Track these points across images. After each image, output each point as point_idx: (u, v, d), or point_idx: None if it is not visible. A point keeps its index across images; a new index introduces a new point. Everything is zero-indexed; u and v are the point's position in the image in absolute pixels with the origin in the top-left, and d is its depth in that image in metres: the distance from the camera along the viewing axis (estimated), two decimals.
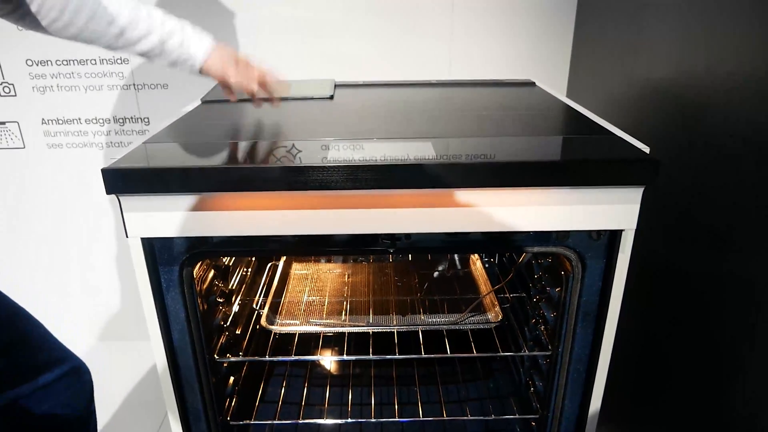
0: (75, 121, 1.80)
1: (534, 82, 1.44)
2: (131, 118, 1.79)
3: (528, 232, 0.91)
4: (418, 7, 1.65)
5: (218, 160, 0.88)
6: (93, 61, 1.71)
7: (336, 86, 1.42)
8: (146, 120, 1.79)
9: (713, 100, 1.03)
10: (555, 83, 1.75)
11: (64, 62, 1.71)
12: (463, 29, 1.68)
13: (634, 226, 0.90)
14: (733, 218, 0.99)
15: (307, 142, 0.93)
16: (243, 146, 0.95)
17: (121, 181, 0.84)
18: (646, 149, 0.88)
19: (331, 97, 1.29)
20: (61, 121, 1.80)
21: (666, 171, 1.16)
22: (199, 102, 1.28)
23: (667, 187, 1.15)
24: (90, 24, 0.85)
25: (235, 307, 1.30)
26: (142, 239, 0.91)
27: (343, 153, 0.87)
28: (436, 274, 1.51)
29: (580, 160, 0.85)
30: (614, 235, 0.93)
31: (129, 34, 0.89)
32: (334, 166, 0.82)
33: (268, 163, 0.84)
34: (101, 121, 1.80)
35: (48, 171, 1.86)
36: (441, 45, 1.70)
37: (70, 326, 2.11)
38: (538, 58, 1.73)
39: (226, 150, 0.93)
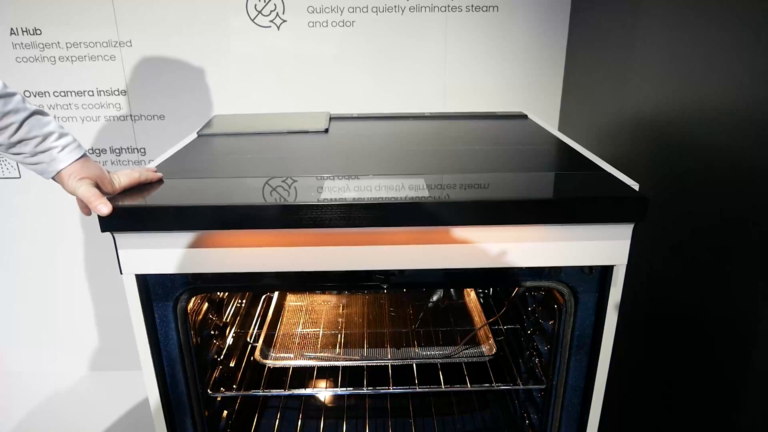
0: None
1: (526, 115, 1.46)
2: (128, 148, 1.81)
3: (521, 268, 0.92)
4: (412, 39, 1.69)
5: (213, 198, 0.89)
6: (90, 92, 1.73)
7: (331, 119, 1.43)
8: (143, 150, 1.81)
9: (701, 131, 1.05)
10: (547, 113, 1.78)
11: (62, 93, 1.73)
12: (457, 61, 1.72)
13: (626, 261, 0.91)
14: (724, 245, 1.00)
15: (302, 178, 0.95)
16: (237, 183, 0.95)
17: (116, 219, 0.84)
18: (636, 186, 0.89)
19: (326, 131, 1.31)
20: None
21: (656, 202, 1.17)
22: (195, 135, 1.29)
23: (658, 217, 1.16)
24: None
25: (230, 340, 1.29)
26: (137, 275, 0.92)
27: (337, 190, 0.88)
28: (430, 305, 1.51)
29: (571, 198, 0.86)
30: (606, 270, 0.93)
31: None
32: (327, 204, 0.83)
33: (263, 201, 0.85)
34: (98, 151, 1.81)
35: (44, 200, 1.86)
36: (435, 76, 1.73)
37: (61, 355, 2.10)
38: (530, 88, 1.76)
39: (220, 187, 0.94)
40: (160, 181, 0.96)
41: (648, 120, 1.24)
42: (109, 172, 0.93)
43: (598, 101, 1.50)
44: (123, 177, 0.93)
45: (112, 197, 0.87)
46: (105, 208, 0.85)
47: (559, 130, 1.78)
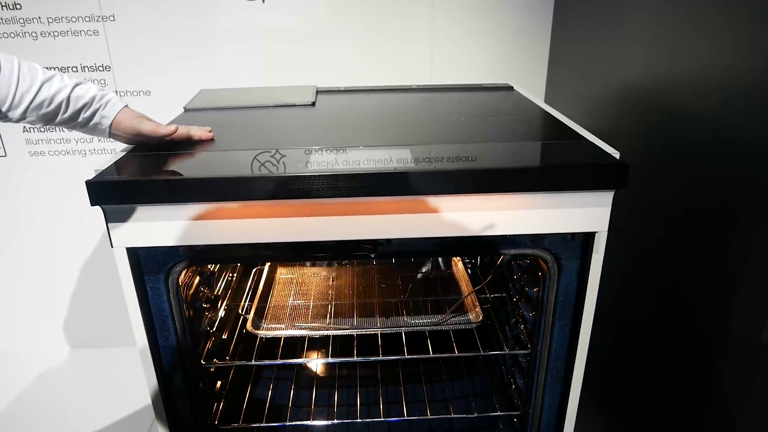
0: (57, 129, 1.80)
1: (512, 87, 1.47)
2: None
3: (505, 236, 0.94)
4: (399, 12, 1.68)
5: (201, 170, 0.90)
6: (74, 68, 1.72)
7: (318, 92, 1.44)
8: None
9: (685, 101, 1.07)
10: (534, 84, 1.79)
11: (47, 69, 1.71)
12: (444, 33, 1.71)
13: (606, 228, 0.94)
14: (705, 214, 1.03)
15: (290, 150, 0.96)
16: (226, 156, 0.96)
17: (106, 192, 0.85)
18: (616, 154, 0.91)
19: (313, 104, 1.31)
20: (43, 129, 1.80)
21: (641, 170, 1.19)
22: (182, 110, 1.30)
23: (643, 186, 1.18)
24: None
25: (221, 312, 1.31)
26: (128, 249, 0.93)
27: (324, 161, 0.90)
28: (419, 275, 1.54)
29: (552, 166, 0.88)
30: (588, 237, 0.96)
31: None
32: (315, 175, 0.84)
33: (252, 173, 0.86)
34: None
35: (29, 179, 1.86)
36: (422, 48, 1.73)
37: (51, 334, 2.11)
38: (517, 60, 1.77)
39: (209, 160, 0.95)
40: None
41: (633, 90, 1.25)
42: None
43: (584, 72, 1.51)
44: (172, 126, 1.02)
45: (104, 172, 0.88)
46: (169, 128, 1.00)
47: (546, 101, 1.80)
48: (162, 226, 0.90)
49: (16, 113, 0.88)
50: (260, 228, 0.90)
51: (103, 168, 0.90)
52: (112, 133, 0.98)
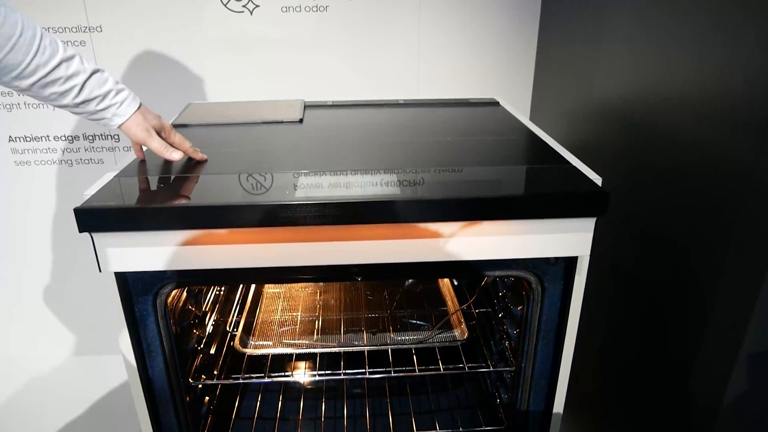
0: (43, 138, 1.79)
1: (498, 102, 1.49)
2: (101, 135, 1.79)
3: (490, 260, 0.96)
4: (386, 24, 1.69)
5: (189, 197, 0.91)
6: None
7: (306, 107, 1.44)
8: (116, 137, 1.80)
9: (666, 120, 1.09)
10: (520, 97, 1.81)
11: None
12: (430, 46, 1.73)
13: (588, 252, 0.96)
14: (685, 231, 1.05)
15: (276, 175, 0.97)
16: (213, 181, 0.97)
17: (95, 220, 0.86)
18: (598, 180, 0.93)
19: (301, 121, 1.32)
20: (29, 139, 1.79)
21: (622, 188, 1.22)
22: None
23: (621, 201, 1.21)
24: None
25: (209, 328, 1.32)
26: (116, 273, 0.93)
27: (311, 187, 0.91)
28: (405, 289, 1.55)
29: (536, 195, 0.90)
30: (570, 260, 0.98)
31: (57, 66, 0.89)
32: (302, 203, 0.85)
33: (238, 201, 0.87)
34: (71, 138, 1.80)
35: (15, 188, 1.85)
36: (409, 61, 1.74)
37: (41, 341, 2.11)
38: (503, 72, 1.78)
39: (197, 185, 0.96)
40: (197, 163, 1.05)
41: (614, 107, 1.28)
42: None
43: (568, 87, 1.53)
44: (178, 136, 1.04)
45: (92, 199, 0.89)
46: (177, 155, 1.02)
47: (531, 114, 1.82)
48: (150, 251, 0.91)
49: (25, 83, 0.87)
50: (248, 253, 0.91)
51: (91, 194, 0.90)
52: (121, 129, 1.00)
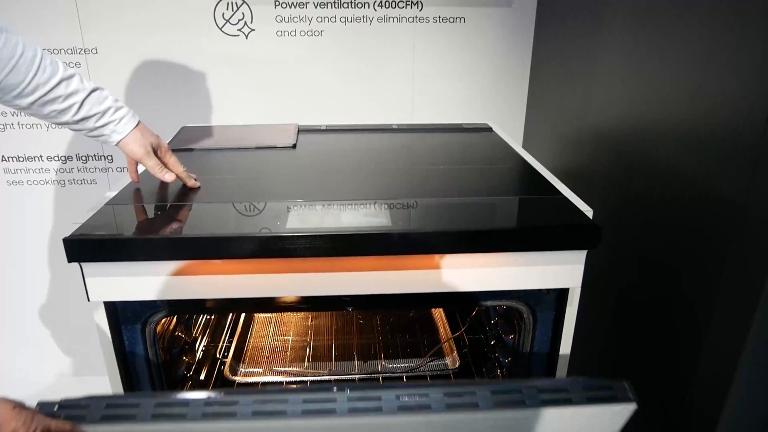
0: (36, 158, 1.79)
1: (490, 128, 1.50)
2: (94, 155, 1.79)
3: (481, 291, 0.96)
4: (380, 50, 1.70)
5: (180, 228, 0.90)
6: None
7: (300, 131, 1.45)
8: (110, 158, 1.80)
9: (657, 147, 1.10)
10: (513, 121, 1.82)
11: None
12: (425, 71, 1.74)
13: (580, 284, 0.96)
14: (678, 256, 1.05)
15: (268, 204, 0.97)
16: (205, 210, 0.97)
17: (84, 250, 0.85)
18: (590, 212, 0.94)
19: (294, 146, 1.32)
20: (22, 159, 1.79)
21: (616, 214, 1.22)
22: None
23: (618, 226, 1.21)
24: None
25: (199, 354, 1.31)
26: (105, 302, 0.93)
27: (303, 219, 0.91)
28: (397, 316, 1.54)
29: (527, 228, 0.90)
30: (562, 291, 0.98)
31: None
32: (292, 236, 0.85)
33: (228, 232, 0.86)
34: (64, 158, 1.79)
35: (8, 208, 1.84)
36: (403, 86, 1.75)
37: (30, 360, 2.08)
38: (497, 97, 1.80)
39: (188, 214, 0.95)
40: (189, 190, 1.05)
41: (607, 133, 1.29)
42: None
43: (561, 112, 1.54)
44: (173, 159, 1.05)
45: (81, 228, 0.88)
46: (170, 177, 1.03)
47: (524, 138, 1.83)
48: (140, 281, 0.90)
49: (26, 101, 0.89)
50: (240, 283, 0.91)
51: (81, 222, 0.90)
52: (119, 146, 1.01)
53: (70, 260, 0.86)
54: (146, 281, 0.90)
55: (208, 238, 0.85)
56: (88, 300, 0.92)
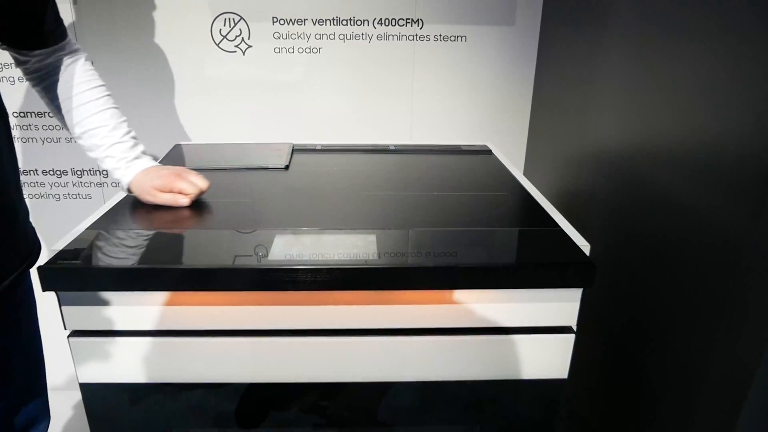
0: (31, 172, 1.77)
1: (490, 150, 1.46)
2: (89, 170, 1.77)
3: (470, 328, 0.92)
4: (379, 68, 1.68)
5: (163, 257, 0.87)
6: (50, 115, 1.69)
7: (294, 150, 1.42)
8: (105, 173, 1.78)
9: (658, 172, 1.06)
10: (514, 142, 1.79)
11: (21, 114, 1.69)
12: (424, 90, 1.71)
13: (575, 322, 0.92)
14: (677, 294, 1.01)
15: (258, 232, 0.94)
16: (189, 238, 0.94)
17: (59, 279, 0.83)
18: (587, 247, 0.90)
19: (287, 167, 1.29)
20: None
21: (613, 246, 1.18)
22: None
23: (616, 265, 1.17)
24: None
25: None
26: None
27: (291, 249, 0.87)
28: None
29: (523, 265, 0.87)
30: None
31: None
32: (274, 268, 0.82)
33: (214, 263, 0.83)
34: (59, 172, 1.77)
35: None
36: (403, 104, 1.72)
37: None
38: (498, 118, 1.76)
39: (173, 242, 0.93)
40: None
41: (610, 158, 1.25)
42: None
43: (564, 135, 1.51)
44: (183, 184, 1.06)
45: (56, 257, 0.86)
46: (184, 201, 1.04)
47: (526, 159, 1.80)
48: (119, 310, 0.87)
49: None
50: (216, 315, 0.88)
51: (59, 249, 0.87)
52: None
53: (44, 289, 0.83)
54: (124, 310, 0.87)
55: (188, 269, 0.82)
56: (65, 328, 0.89)
